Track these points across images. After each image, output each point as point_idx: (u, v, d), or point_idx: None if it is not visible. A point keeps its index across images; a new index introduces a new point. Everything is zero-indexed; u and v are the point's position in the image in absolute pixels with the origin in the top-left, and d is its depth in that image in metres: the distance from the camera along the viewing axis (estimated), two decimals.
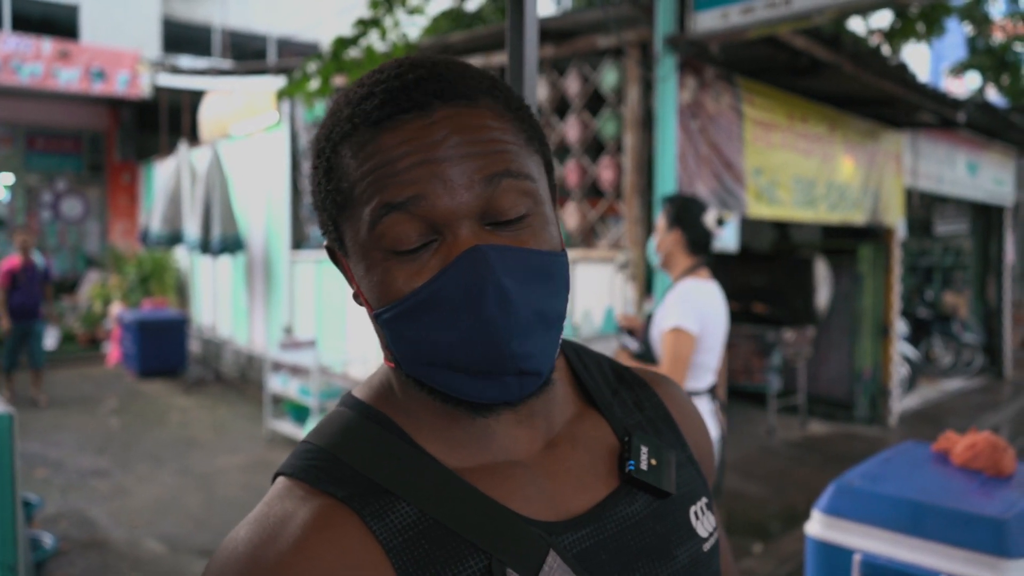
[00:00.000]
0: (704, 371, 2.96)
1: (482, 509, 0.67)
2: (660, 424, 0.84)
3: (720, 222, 3.05)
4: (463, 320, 0.63)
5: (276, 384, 6.74)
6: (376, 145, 0.65)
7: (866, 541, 2.14)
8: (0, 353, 8.22)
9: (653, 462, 0.76)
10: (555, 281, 0.68)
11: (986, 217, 10.86)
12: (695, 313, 2.86)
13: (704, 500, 0.81)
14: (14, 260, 7.97)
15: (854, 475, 2.35)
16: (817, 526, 2.28)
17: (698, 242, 3.03)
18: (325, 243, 0.75)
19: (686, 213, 3.03)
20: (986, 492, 2.18)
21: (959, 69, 11.03)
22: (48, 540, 3.90)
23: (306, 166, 8.08)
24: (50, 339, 10.01)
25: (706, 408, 2.97)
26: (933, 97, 6.53)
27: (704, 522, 0.79)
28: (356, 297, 0.73)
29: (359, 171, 0.65)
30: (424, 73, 0.67)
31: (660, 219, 3.12)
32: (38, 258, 8.23)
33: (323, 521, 0.63)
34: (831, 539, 2.22)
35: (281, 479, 0.70)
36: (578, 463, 0.75)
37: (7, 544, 1.96)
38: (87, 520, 4.90)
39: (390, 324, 0.67)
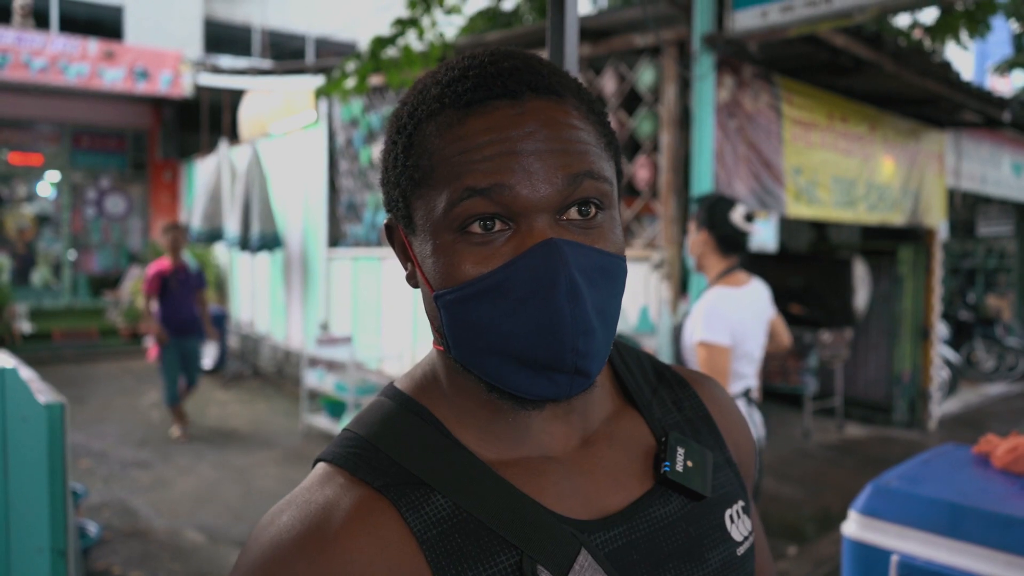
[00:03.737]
0: (736, 378, 2.92)
1: (515, 505, 0.67)
2: (699, 424, 0.83)
3: (749, 218, 2.98)
4: (531, 309, 0.63)
5: (312, 379, 6.83)
6: (463, 127, 0.65)
7: (904, 543, 2.12)
8: (162, 381, 6.69)
9: (689, 464, 0.75)
10: (617, 283, 0.69)
11: None
12: (724, 325, 2.79)
13: (741, 503, 0.80)
14: (164, 262, 6.61)
15: (892, 476, 2.32)
16: (854, 527, 2.26)
17: (729, 241, 2.95)
18: (385, 221, 0.75)
19: (713, 212, 2.95)
20: None
21: (1004, 67, 10.77)
22: (92, 528, 3.99)
23: (343, 164, 8.16)
24: (208, 357, 9.28)
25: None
26: (977, 96, 6.40)
27: (739, 526, 0.78)
28: (411, 277, 0.73)
29: (443, 151, 0.65)
30: (519, 63, 0.68)
31: (691, 222, 3.08)
32: (190, 260, 7.00)
33: (364, 511, 0.64)
34: (868, 540, 2.20)
35: (322, 465, 0.71)
36: (613, 461, 0.75)
37: (59, 530, 2.03)
38: (129, 510, 5.02)
39: (451, 306, 0.66)
